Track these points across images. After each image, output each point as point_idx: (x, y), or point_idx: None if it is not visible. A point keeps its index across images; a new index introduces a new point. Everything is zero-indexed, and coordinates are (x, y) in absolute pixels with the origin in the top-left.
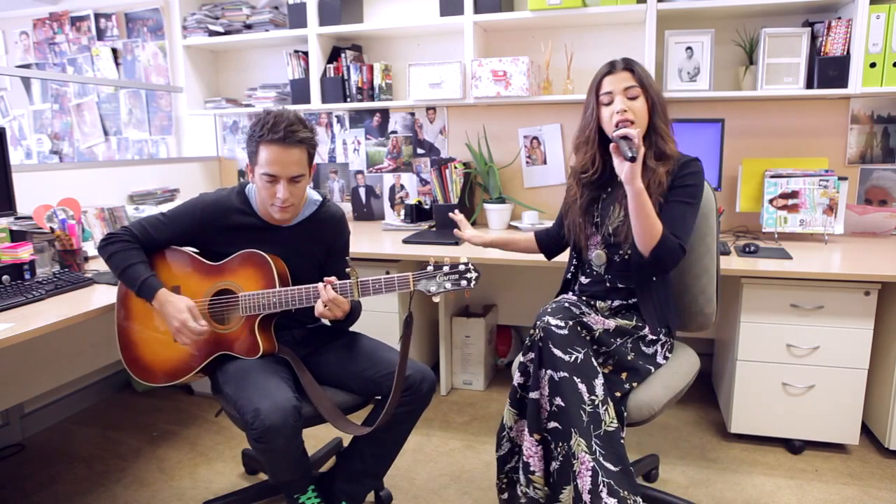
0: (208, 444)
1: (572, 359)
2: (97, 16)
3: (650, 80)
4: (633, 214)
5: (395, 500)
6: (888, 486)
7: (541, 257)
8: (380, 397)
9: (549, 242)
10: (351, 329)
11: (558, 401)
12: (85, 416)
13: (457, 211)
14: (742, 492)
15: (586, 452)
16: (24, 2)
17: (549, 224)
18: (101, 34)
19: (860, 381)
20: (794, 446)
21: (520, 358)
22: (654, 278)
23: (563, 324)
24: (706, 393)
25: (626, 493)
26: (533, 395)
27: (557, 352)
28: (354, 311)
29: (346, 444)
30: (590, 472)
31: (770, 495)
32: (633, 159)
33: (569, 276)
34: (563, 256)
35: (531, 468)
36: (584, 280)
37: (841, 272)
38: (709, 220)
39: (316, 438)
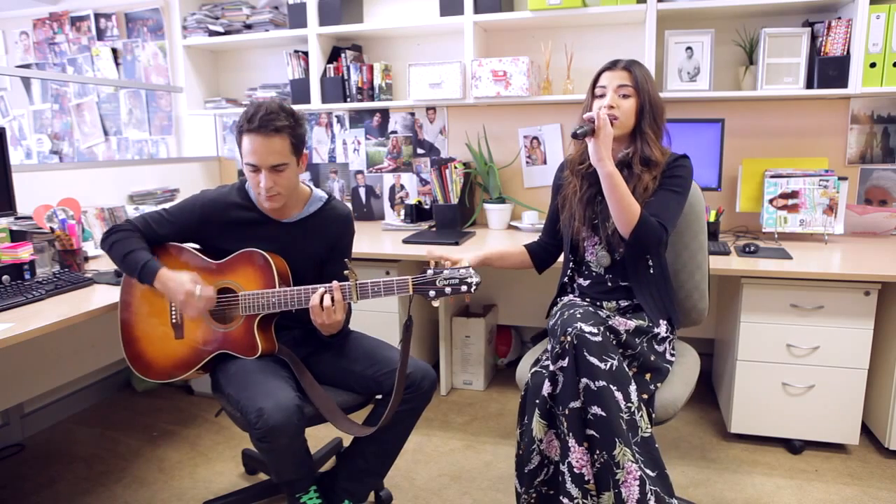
0: (208, 444)
1: (608, 366)
2: (97, 16)
3: (648, 84)
4: (608, 196)
5: (395, 500)
6: (888, 486)
7: None
8: (380, 396)
9: (541, 253)
10: (350, 328)
11: (596, 410)
12: (85, 416)
13: (430, 249)
14: (742, 492)
15: (632, 461)
16: (24, 2)
17: None
18: (101, 34)
19: (860, 381)
20: (794, 446)
21: (539, 363)
22: (651, 271)
23: (596, 330)
24: (706, 393)
25: (668, 498)
26: (574, 404)
27: (593, 360)
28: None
29: (346, 443)
30: (637, 482)
31: (770, 495)
32: (574, 135)
33: (566, 279)
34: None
35: (585, 477)
36: (582, 282)
37: (841, 272)
38: (700, 218)
39: (316, 438)
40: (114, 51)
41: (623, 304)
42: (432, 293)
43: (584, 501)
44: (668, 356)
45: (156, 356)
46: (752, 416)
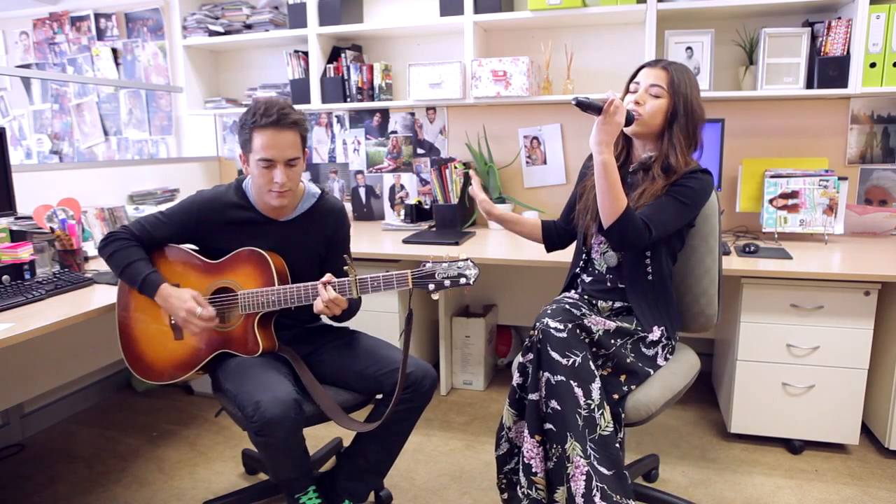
0: (208, 444)
1: (569, 362)
2: (97, 16)
3: (686, 88)
4: (597, 183)
5: (395, 500)
6: (888, 486)
7: (542, 255)
8: (381, 396)
9: (553, 233)
10: (350, 328)
11: (554, 404)
12: (85, 416)
13: (472, 171)
14: (742, 492)
15: (581, 456)
16: (24, 2)
17: None
18: (101, 34)
19: (860, 381)
20: (794, 446)
21: (519, 358)
22: (650, 277)
23: (561, 326)
24: (706, 393)
25: (619, 497)
26: (532, 396)
27: (555, 355)
28: (353, 306)
29: (346, 443)
30: (584, 476)
31: (770, 495)
32: (577, 101)
33: (577, 270)
34: (567, 254)
35: (533, 469)
36: (586, 278)
37: (841, 272)
38: (711, 221)
39: (316, 438)
40: (114, 51)
41: (617, 305)
42: (431, 286)
43: (530, 492)
44: (658, 360)
45: (155, 358)
46: (752, 416)
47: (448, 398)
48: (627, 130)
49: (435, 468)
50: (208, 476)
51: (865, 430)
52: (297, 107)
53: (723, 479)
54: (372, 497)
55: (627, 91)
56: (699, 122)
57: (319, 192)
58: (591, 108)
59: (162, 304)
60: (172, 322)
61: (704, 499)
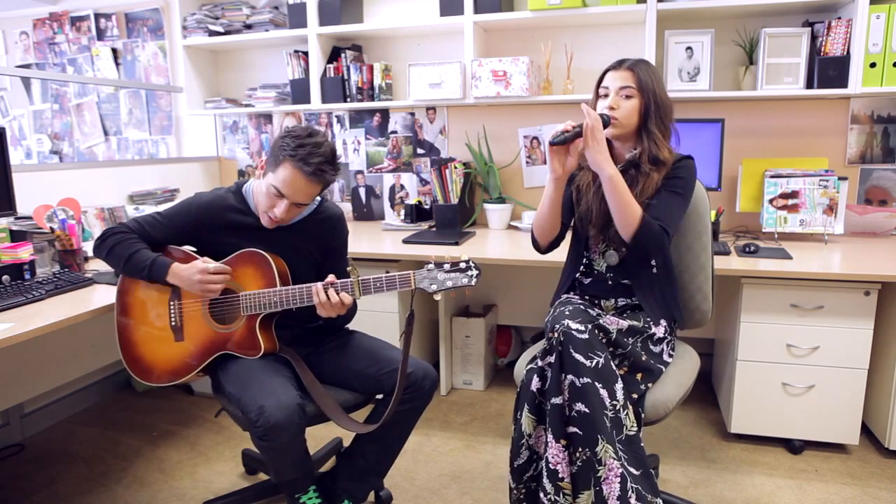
0: (208, 444)
1: (593, 364)
2: (97, 16)
3: (653, 85)
4: (609, 199)
5: (395, 500)
6: (888, 486)
7: (542, 257)
8: (381, 396)
9: (561, 232)
10: (351, 328)
11: (580, 406)
12: (85, 416)
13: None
14: (742, 492)
15: (614, 458)
16: (24, 2)
17: None
18: (101, 34)
19: (860, 381)
20: (794, 446)
21: (535, 361)
22: (655, 271)
23: (583, 328)
24: (706, 393)
25: (651, 497)
26: (556, 400)
27: (579, 357)
28: (350, 310)
29: (347, 443)
30: (618, 479)
31: (770, 495)
32: (552, 143)
33: (577, 274)
34: (561, 255)
35: (560, 475)
36: (585, 280)
37: (841, 272)
38: (703, 218)
39: (316, 438)
40: (114, 51)
41: (622, 302)
42: (434, 287)
43: (557, 498)
44: (664, 357)
45: (156, 360)
46: (752, 416)
47: (448, 398)
48: (606, 133)
49: (435, 468)
50: (208, 476)
51: (865, 430)
52: (297, 107)
53: (723, 479)
54: (372, 497)
55: (597, 96)
56: (670, 111)
57: (319, 198)
58: (566, 141)
59: (177, 283)
60: (173, 323)
61: (704, 499)
